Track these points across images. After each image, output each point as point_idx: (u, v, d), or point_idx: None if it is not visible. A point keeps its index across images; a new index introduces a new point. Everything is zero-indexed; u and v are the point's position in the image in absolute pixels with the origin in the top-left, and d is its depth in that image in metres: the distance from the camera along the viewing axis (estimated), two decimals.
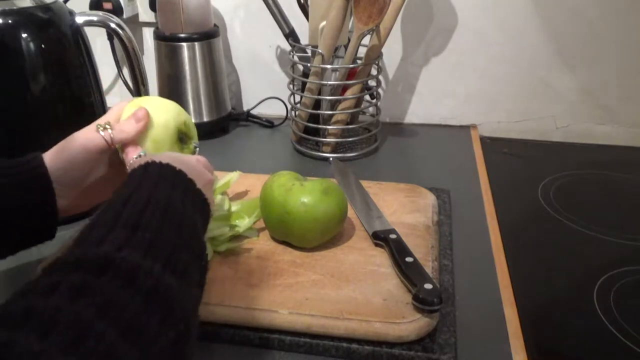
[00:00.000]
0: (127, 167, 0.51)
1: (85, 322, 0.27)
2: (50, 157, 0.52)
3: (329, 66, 0.84)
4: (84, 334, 0.26)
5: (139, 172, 0.42)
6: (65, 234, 0.67)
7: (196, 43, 0.92)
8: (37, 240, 0.54)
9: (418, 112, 1.04)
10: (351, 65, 0.85)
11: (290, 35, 0.93)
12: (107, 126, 0.52)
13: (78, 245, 0.34)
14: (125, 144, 0.53)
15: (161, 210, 0.37)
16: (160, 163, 0.43)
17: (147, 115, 0.53)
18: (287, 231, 0.59)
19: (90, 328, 0.27)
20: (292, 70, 0.92)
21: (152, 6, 0.98)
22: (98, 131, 0.52)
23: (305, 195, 0.58)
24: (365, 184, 0.73)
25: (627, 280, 0.62)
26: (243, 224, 0.62)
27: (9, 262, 0.63)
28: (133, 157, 0.51)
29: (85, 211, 0.57)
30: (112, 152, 0.54)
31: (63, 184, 0.52)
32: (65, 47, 0.70)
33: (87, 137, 0.52)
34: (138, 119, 0.53)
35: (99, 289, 0.29)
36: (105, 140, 0.52)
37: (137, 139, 0.53)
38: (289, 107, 0.94)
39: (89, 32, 0.75)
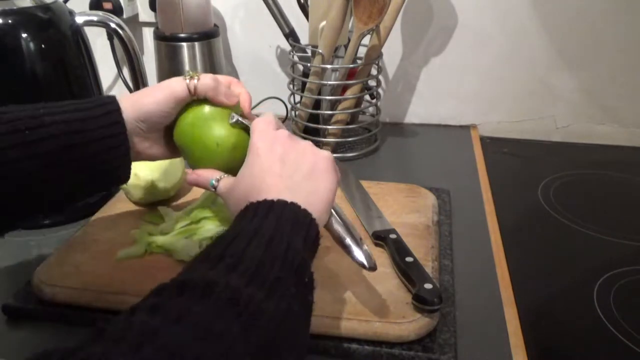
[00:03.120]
0: (199, 185, 0.52)
1: (153, 328, 0.28)
2: (135, 97, 0.51)
3: (329, 66, 0.84)
4: (151, 336, 0.27)
5: (238, 216, 0.43)
6: (65, 234, 0.67)
7: (196, 43, 0.92)
8: (113, 182, 0.53)
9: (418, 112, 1.04)
10: (351, 65, 0.85)
11: (290, 35, 0.93)
12: (195, 76, 0.51)
13: (184, 272, 0.35)
14: (189, 179, 0.52)
15: (248, 239, 0.38)
16: (256, 202, 0.42)
17: (243, 87, 0.55)
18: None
19: (158, 332, 0.27)
20: (292, 70, 0.92)
21: (152, 6, 0.98)
22: (185, 79, 0.51)
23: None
24: (365, 184, 0.73)
25: (627, 280, 0.62)
26: None
27: (8, 261, 0.63)
28: (210, 189, 0.50)
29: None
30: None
31: (142, 123, 0.51)
32: (65, 47, 0.70)
33: (170, 84, 0.51)
34: (231, 95, 0.53)
35: (174, 305, 0.30)
36: (188, 88, 0.51)
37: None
38: (289, 107, 0.94)
39: (89, 32, 0.75)
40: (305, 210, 0.42)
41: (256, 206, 0.42)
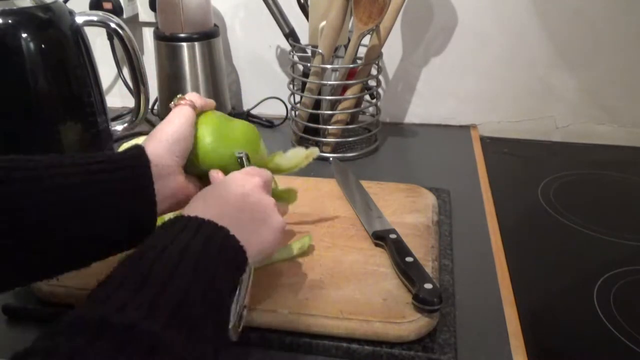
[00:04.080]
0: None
1: None
2: (157, 146, 0.49)
3: (329, 66, 0.84)
4: None
5: (166, 225, 0.40)
6: None
7: (196, 43, 0.92)
8: (135, 243, 0.49)
9: (418, 112, 1.04)
10: (351, 65, 0.85)
11: (290, 35, 0.93)
12: (181, 96, 0.52)
13: (85, 304, 0.33)
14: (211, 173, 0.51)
15: (173, 262, 0.36)
16: (189, 217, 0.41)
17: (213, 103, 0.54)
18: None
19: None
20: (292, 70, 0.92)
21: (152, 6, 0.98)
22: (178, 104, 0.52)
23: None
24: (365, 184, 0.73)
25: (627, 280, 0.62)
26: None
27: None
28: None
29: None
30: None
31: (171, 173, 0.49)
32: (65, 47, 0.70)
33: (179, 112, 0.51)
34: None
35: (94, 354, 0.28)
36: (189, 105, 0.51)
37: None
38: (289, 107, 0.94)
39: (89, 32, 0.75)
40: (234, 238, 0.41)
41: (187, 221, 0.40)
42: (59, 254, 0.44)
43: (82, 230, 0.44)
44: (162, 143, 0.49)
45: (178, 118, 0.51)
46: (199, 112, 0.53)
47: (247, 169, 0.50)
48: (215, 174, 0.51)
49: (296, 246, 0.60)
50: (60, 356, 0.28)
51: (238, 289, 0.41)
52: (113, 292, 0.33)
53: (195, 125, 0.52)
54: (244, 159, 0.52)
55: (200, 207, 0.43)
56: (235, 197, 0.45)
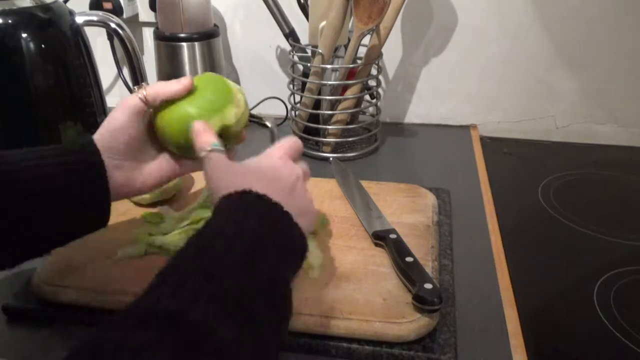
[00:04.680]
0: (198, 152, 0.48)
1: None
2: (102, 129, 0.50)
3: (329, 66, 0.84)
4: None
5: (224, 204, 0.40)
6: None
7: (196, 43, 0.92)
8: (90, 229, 0.50)
9: (418, 112, 1.04)
10: (351, 65, 0.85)
11: (290, 35, 0.93)
12: (143, 84, 0.51)
13: (148, 294, 0.33)
14: (194, 127, 0.49)
15: (242, 256, 0.36)
16: (256, 195, 0.40)
17: (191, 84, 0.51)
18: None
19: None
20: (292, 70, 0.92)
21: (152, 6, 0.98)
22: (135, 91, 0.51)
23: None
24: (365, 184, 0.73)
25: (627, 280, 0.62)
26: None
27: None
28: (205, 148, 0.46)
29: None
30: (148, 121, 0.52)
31: (114, 151, 0.50)
32: (65, 47, 0.70)
33: (123, 104, 0.51)
34: (179, 82, 0.50)
35: (141, 343, 0.29)
36: (139, 98, 0.50)
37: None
38: (289, 107, 0.94)
39: (89, 32, 0.75)
40: (302, 233, 0.41)
41: (255, 198, 0.40)
42: (18, 243, 0.46)
43: (40, 218, 0.46)
44: (101, 142, 0.49)
45: (118, 113, 0.50)
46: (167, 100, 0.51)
47: (282, 149, 0.48)
48: (278, 153, 0.49)
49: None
50: (128, 351, 0.28)
51: None
52: (181, 283, 0.33)
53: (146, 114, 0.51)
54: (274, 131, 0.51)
55: (263, 185, 0.42)
56: (289, 188, 0.44)
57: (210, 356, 0.30)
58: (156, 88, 0.50)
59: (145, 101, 0.50)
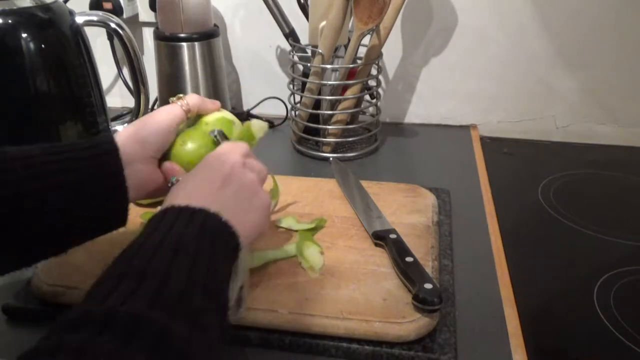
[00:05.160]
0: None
1: None
2: (127, 134, 0.49)
3: (329, 66, 0.84)
4: None
5: (157, 217, 0.41)
6: None
7: (196, 43, 0.92)
8: (109, 229, 0.50)
9: (418, 112, 1.04)
10: (351, 65, 0.85)
11: (290, 35, 0.93)
12: (181, 95, 0.53)
13: (85, 300, 0.33)
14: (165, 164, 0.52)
15: (170, 255, 0.36)
16: (179, 207, 0.41)
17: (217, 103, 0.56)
18: None
19: None
20: (292, 70, 0.92)
21: (152, 6, 0.98)
22: (174, 102, 0.52)
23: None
24: (365, 184, 0.73)
25: (627, 280, 0.62)
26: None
27: None
28: (170, 179, 0.50)
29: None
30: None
31: (138, 160, 0.49)
32: (65, 47, 0.70)
33: (167, 108, 0.52)
34: (214, 103, 0.55)
35: (100, 349, 0.28)
36: (182, 108, 0.52)
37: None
38: (289, 107, 0.94)
39: (89, 32, 0.75)
40: (226, 223, 0.41)
41: (178, 211, 0.41)
42: (33, 242, 0.45)
43: (56, 217, 0.45)
44: (134, 131, 0.50)
45: (162, 114, 0.52)
46: (199, 114, 0.55)
47: (223, 146, 0.50)
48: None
49: (313, 223, 0.64)
50: (69, 351, 0.28)
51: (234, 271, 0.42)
52: (115, 286, 0.33)
53: (182, 125, 0.53)
54: (218, 137, 0.53)
55: (187, 194, 0.43)
56: (220, 180, 0.45)
57: (172, 355, 0.30)
58: (195, 101, 0.53)
59: (188, 110, 0.53)
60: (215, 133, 0.53)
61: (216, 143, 0.53)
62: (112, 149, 0.47)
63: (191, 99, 0.53)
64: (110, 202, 0.47)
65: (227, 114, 0.57)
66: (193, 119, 0.55)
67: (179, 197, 0.43)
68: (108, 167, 0.47)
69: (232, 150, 0.49)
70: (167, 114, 0.52)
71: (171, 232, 0.38)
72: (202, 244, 0.38)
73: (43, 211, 0.44)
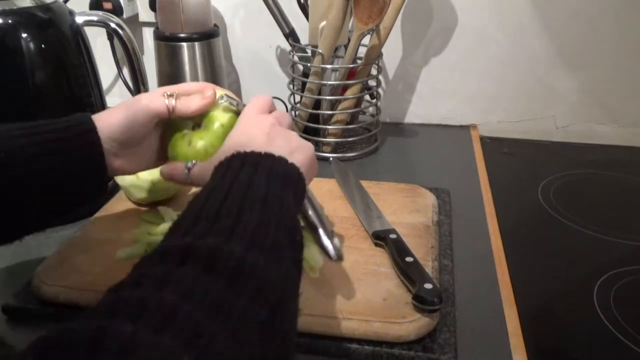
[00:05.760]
0: (173, 178, 0.51)
1: (171, 305, 0.27)
2: (107, 115, 0.51)
3: (329, 66, 0.84)
4: (171, 316, 0.27)
5: (224, 164, 0.42)
6: (66, 234, 0.67)
7: (196, 43, 0.92)
8: (89, 201, 0.52)
9: (418, 112, 1.04)
10: (351, 65, 0.85)
11: (290, 35, 0.93)
12: (174, 94, 0.51)
13: (165, 239, 0.35)
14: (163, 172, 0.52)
15: (241, 195, 0.38)
16: (245, 152, 0.42)
17: (214, 96, 0.51)
18: None
19: (175, 311, 0.27)
20: (292, 70, 0.92)
21: (152, 6, 0.98)
22: (164, 96, 0.51)
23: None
24: (365, 184, 0.73)
25: (627, 280, 0.62)
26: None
27: (8, 261, 0.63)
28: (182, 176, 0.50)
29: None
30: (166, 122, 0.53)
31: (116, 142, 0.50)
32: (65, 47, 0.70)
33: (151, 99, 0.51)
34: (204, 97, 0.51)
35: (181, 277, 0.30)
36: (167, 107, 0.51)
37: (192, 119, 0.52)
38: (289, 107, 0.94)
39: (89, 32, 0.75)
40: (292, 165, 0.43)
41: (244, 156, 0.42)
42: (12, 220, 0.47)
43: (37, 197, 0.47)
44: (108, 127, 0.50)
45: (139, 110, 0.51)
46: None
47: (248, 111, 0.50)
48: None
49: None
50: (152, 280, 0.29)
51: (317, 217, 0.45)
52: (191, 226, 0.35)
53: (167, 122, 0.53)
54: (232, 102, 0.51)
55: (247, 141, 0.45)
56: (265, 137, 0.46)
57: (253, 287, 0.31)
58: (184, 106, 0.51)
59: (171, 111, 0.51)
60: (225, 100, 0.51)
61: (234, 111, 0.51)
62: (90, 129, 0.49)
63: (181, 105, 0.51)
64: (90, 180, 0.50)
65: (230, 104, 0.53)
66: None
67: (242, 144, 0.44)
68: (87, 145, 0.49)
69: (260, 111, 0.49)
70: (133, 109, 0.50)
71: (240, 176, 0.40)
72: (272, 185, 0.40)
73: (25, 193, 0.46)
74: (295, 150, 0.46)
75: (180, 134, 0.52)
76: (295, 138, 0.48)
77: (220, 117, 0.51)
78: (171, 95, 0.51)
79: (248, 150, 0.43)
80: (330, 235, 0.47)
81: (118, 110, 0.51)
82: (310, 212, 0.47)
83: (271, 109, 0.51)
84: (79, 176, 0.49)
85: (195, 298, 0.28)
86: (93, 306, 0.28)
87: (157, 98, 0.51)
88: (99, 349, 0.24)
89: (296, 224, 0.40)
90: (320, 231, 0.47)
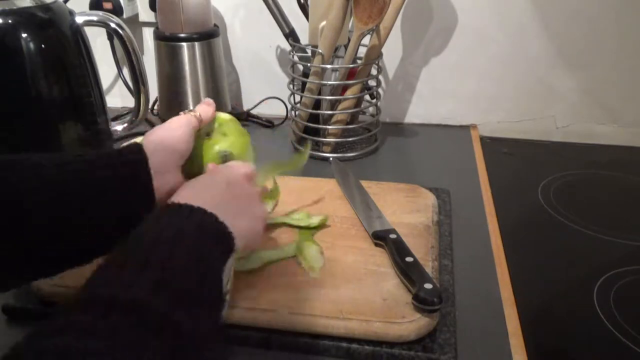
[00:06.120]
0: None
1: (95, 355, 0.27)
2: (155, 144, 0.50)
3: (329, 66, 0.84)
4: None
5: (158, 212, 0.42)
6: None
7: (196, 43, 0.92)
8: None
9: (418, 112, 1.04)
10: (351, 65, 0.85)
11: (290, 35, 0.93)
12: (191, 110, 0.53)
13: (88, 287, 0.34)
14: None
15: (170, 246, 0.37)
16: (179, 203, 0.42)
17: (213, 103, 0.55)
18: None
19: None
20: (292, 70, 0.92)
21: (152, 6, 0.98)
22: (186, 114, 0.53)
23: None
24: (365, 184, 0.73)
25: (627, 280, 0.62)
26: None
27: None
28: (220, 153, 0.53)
29: None
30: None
31: (167, 170, 0.50)
32: (65, 47, 0.70)
33: (181, 118, 0.52)
34: (208, 103, 0.55)
35: (108, 328, 0.30)
36: (196, 118, 0.52)
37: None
38: (289, 107, 0.94)
39: (89, 32, 0.75)
40: (222, 224, 0.42)
41: (178, 207, 0.42)
42: (60, 251, 0.45)
43: (83, 227, 0.45)
44: (160, 140, 0.50)
45: (179, 122, 0.52)
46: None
47: (231, 163, 0.52)
48: (212, 166, 0.52)
49: (317, 219, 0.64)
50: (71, 332, 0.29)
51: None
52: (117, 274, 0.35)
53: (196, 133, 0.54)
54: (228, 157, 0.54)
55: (188, 195, 0.44)
56: (221, 187, 0.47)
57: (175, 344, 0.31)
58: (205, 112, 0.54)
59: (201, 120, 0.53)
60: (227, 154, 0.54)
61: (224, 162, 0.54)
62: (141, 159, 0.47)
63: (203, 112, 0.54)
64: (138, 214, 0.47)
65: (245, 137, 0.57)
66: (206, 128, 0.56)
67: (180, 197, 0.44)
68: (138, 179, 0.47)
69: (239, 166, 0.51)
70: (184, 122, 0.52)
71: (171, 225, 0.39)
72: (201, 239, 0.40)
73: (72, 224, 0.45)
74: (246, 213, 0.47)
75: (202, 142, 0.54)
76: (250, 199, 0.48)
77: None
78: (190, 111, 0.53)
79: (199, 194, 0.44)
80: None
81: (168, 126, 0.51)
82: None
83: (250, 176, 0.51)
84: (126, 208, 0.47)
85: (119, 350, 0.28)
86: (18, 349, 0.28)
87: (184, 117, 0.52)
88: None
89: (220, 281, 0.40)
90: None
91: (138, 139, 0.55)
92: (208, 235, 0.41)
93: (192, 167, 0.53)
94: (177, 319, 0.32)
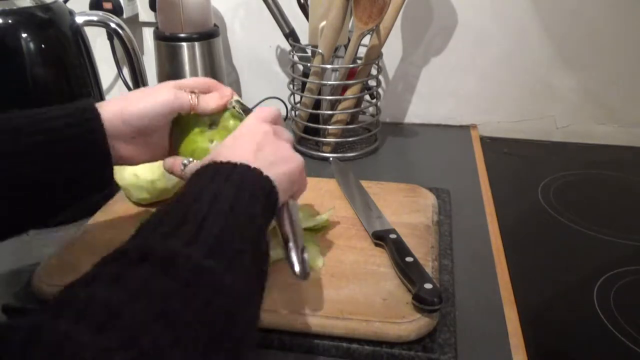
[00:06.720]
0: (173, 171, 0.53)
1: (117, 305, 0.28)
2: (127, 101, 0.50)
3: (329, 66, 0.84)
4: (115, 315, 0.27)
5: (199, 172, 0.43)
6: (65, 234, 0.67)
7: (196, 43, 0.92)
8: (91, 192, 0.51)
9: (418, 112, 1.04)
10: (351, 65, 0.85)
11: (290, 35, 0.93)
12: (195, 92, 0.52)
13: (128, 240, 0.35)
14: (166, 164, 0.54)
15: (208, 204, 0.38)
16: (220, 162, 0.43)
17: (231, 96, 0.54)
18: None
19: (120, 310, 0.27)
20: (292, 70, 0.92)
21: (152, 6, 0.98)
22: (187, 92, 0.52)
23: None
24: (365, 184, 0.73)
25: (627, 280, 0.62)
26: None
27: (9, 263, 0.63)
28: (179, 172, 0.52)
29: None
30: (179, 117, 0.53)
31: (131, 127, 0.50)
32: (65, 47, 0.70)
33: (176, 93, 0.51)
34: (223, 95, 0.53)
35: (134, 277, 0.30)
36: (191, 104, 0.51)
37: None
38: (289, 107, 0.94)
39: (89, 32, 0.75)
40: (267, 177, 0.43)
41: (218, 167, 0.42)
42: (17, 212, 0.47)
43: (39, 187, 0.46)
44: (120, 110, 0.49)
45: (152, 97, 0.50)
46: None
47: (251, 118, 0.50)
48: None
49: (324, 217, 0.64)
50: (104, 278, 0.30)
51: (291, 231, 0.45)
52: (154, 228, 0.36)
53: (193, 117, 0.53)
54: (238, 109, 0.53)
55: (228, 152, 0.45)
56: (255, 145, 0.46)
57: (207, 293, 0.31)
58: (205, 104, 0.52)
59: (192, 108, 0.52)
60: (234, 104, 0.53)
61: (239, 116, 0.53)
62: (94, 116, 0.48)
63: (203, 102, 0.52)
64: (93, 171, 0.49)
65: (237, 112, 0.55)
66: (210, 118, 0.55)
67: (220, 155, 0.44)
68: (92, 135, 0.48)
69: (261, 120, 0.50)
70: (157, 99, 0.50)
71: (210, 186, 0.40)
72: (240, 196, 0.40)
73: (27, 182, 0.46)
74: (281, 161, 0.46)
75: (198, 129, 0.53)
76: (285, 149, 0.48)
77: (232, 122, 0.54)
78: (193, 92, 0.52)
79: (232, 157, 0.43)
80: (300, 251, 0.46)
81: (140, 96, 0.51)
82: (287, 227, 0.47)
83: (276, 121, 0.51)
84: (82, 163, 0.48)
85: (144, 299, 0.29)
86: (49, 301, 0.29)
87: (183, 93, 0.51)
88: (31, 347, 0.24)
89: (262, 236, 0.40)
90: (290, 245, 0.46)
91: None
92: (250, 190, 0.41)
93: (183, 149, 0.53)
94: (209, 268, 0.32)
